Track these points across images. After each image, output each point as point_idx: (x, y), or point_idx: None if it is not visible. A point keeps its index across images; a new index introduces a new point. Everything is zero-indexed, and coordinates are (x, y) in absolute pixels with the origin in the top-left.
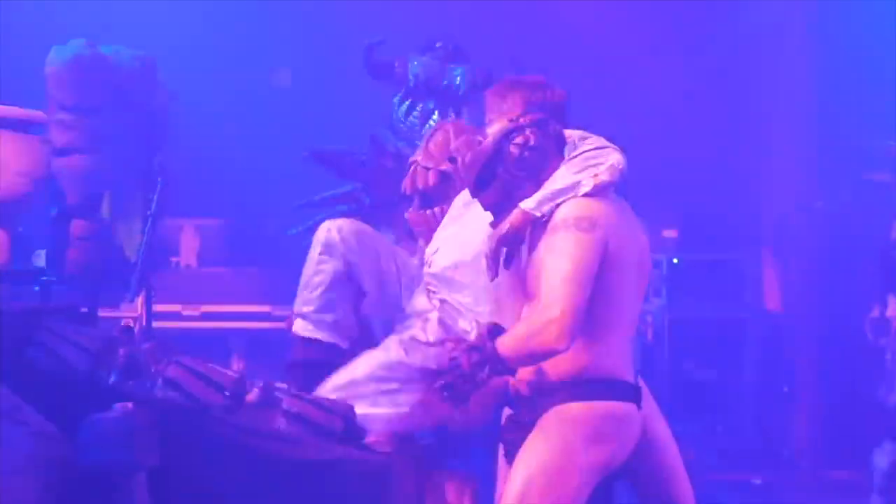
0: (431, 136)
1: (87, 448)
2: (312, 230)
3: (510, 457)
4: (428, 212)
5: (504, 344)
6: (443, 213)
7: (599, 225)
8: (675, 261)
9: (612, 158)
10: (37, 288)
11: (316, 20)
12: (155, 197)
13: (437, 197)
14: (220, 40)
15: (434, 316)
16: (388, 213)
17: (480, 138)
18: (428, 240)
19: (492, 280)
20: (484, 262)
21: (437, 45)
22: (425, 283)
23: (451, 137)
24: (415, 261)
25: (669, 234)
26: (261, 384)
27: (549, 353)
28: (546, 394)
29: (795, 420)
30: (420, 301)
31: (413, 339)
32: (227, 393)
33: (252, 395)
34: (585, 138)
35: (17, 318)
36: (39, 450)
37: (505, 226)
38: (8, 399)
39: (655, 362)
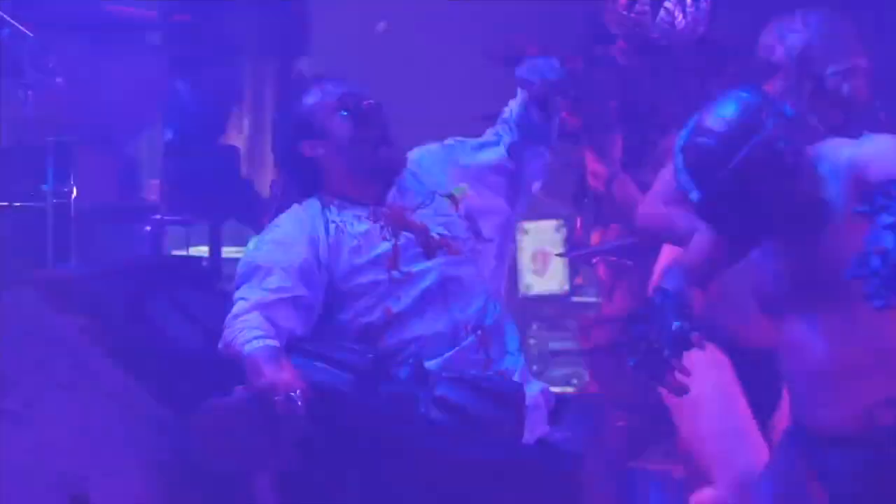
0: None
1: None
2: None
3: None
4: None
5: None
6: None
7: None
8: None
9: None
10: (148, 227)
11: None
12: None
13: None
14: None
15: None
16: (599, 139)
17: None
18: None
19: None
20: None
21: None
22: None
23: None
24: None
25: None
26: (410, 360)
27: None
28: None
29: None
30: None
31: None
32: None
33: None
34: None
35: (127, 276)
36: (153, 442)
37: None
38: (116, 378)
39: None
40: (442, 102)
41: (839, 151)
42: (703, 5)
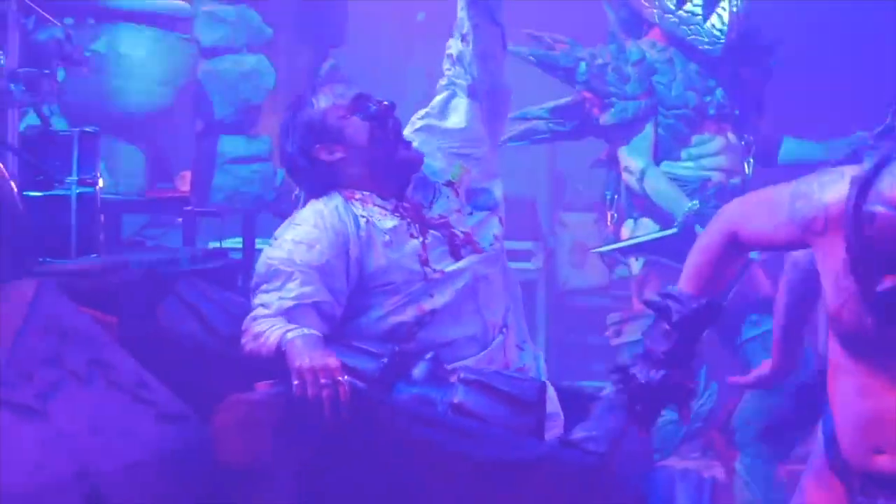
0: None
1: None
2: None
3: None
4: None
5: None
6: None
7: None
8: None
9: None
10: (179, 219)
11: None
12: None
13: None
14: None
15: None
16: (627, 133)
17: None
18: None
19: None
20: None
21: None
22: None
23: None
24: None
25: None
26: (429, 356)
27: None
28: None
29: None
30: None
31: None
32: (384, 360)
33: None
34: None
35: (148, 269)
36: (168, 436)
37: None
38: (132, 371)
39: None
40: None
41: None
42: (744, 5)
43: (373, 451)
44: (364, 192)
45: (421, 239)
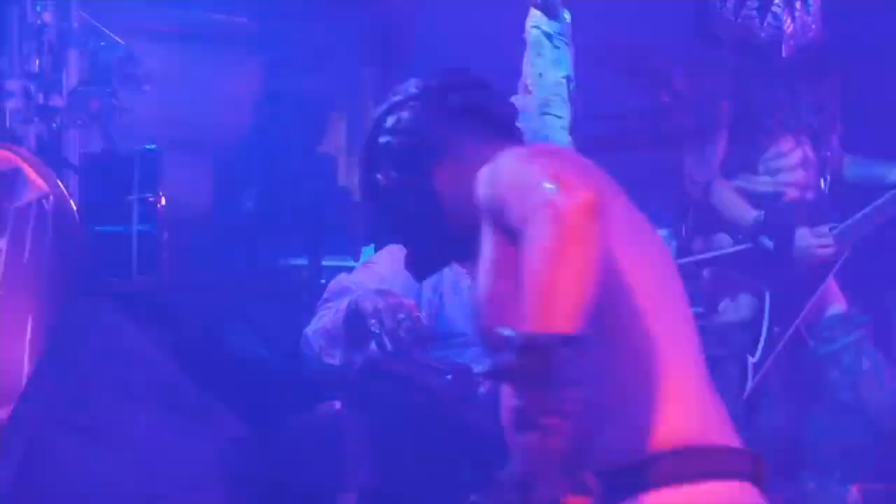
0: None
1: (284, 459)
2: None
3: None
4: None
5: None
6: None
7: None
8: None
9: None
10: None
11: None
12: None
13: None
14: None
15: None
16: (700, 142)
17: None
18: None
19: None
20: None
21: None
22: None
23: None
24: None
25: None
26: None
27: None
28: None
29: None
30: None
31: None
32: (449, 377)
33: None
34: None
35: (209, 289)
36: (231, 459)
37: None
38: (193, 392)
39: None
40: None
41: None
42: (813, 9)
43: (436, 469)
44: None
45: None
